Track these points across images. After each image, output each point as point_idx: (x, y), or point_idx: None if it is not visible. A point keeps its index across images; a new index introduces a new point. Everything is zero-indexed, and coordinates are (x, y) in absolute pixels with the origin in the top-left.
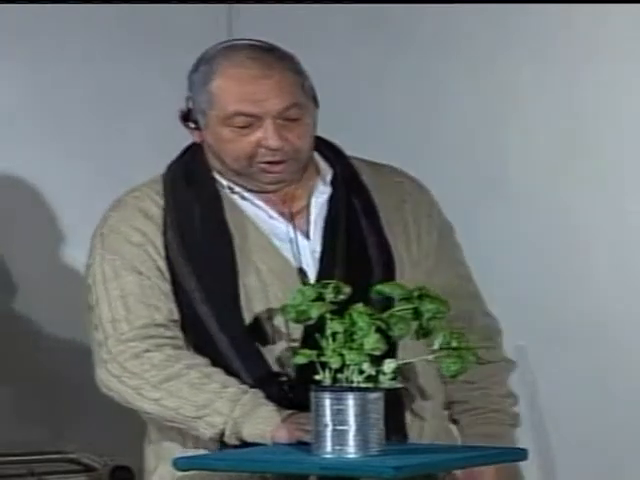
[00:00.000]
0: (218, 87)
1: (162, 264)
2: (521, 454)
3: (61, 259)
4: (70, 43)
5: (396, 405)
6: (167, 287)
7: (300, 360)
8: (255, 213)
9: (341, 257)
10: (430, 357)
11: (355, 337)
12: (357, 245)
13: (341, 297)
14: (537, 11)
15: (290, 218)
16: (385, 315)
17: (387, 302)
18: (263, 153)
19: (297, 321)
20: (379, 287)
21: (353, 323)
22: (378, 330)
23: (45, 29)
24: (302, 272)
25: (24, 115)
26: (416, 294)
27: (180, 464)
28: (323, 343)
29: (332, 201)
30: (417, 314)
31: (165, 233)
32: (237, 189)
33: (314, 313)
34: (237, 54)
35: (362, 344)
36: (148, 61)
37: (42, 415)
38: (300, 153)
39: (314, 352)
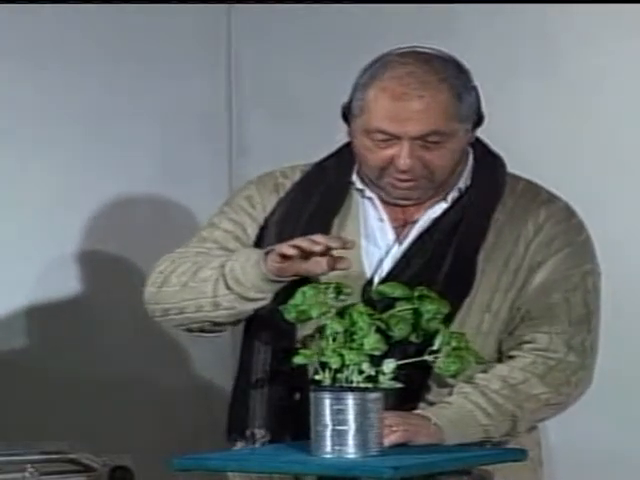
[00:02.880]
0: (371, 98)
1: (253, 231)
2: (520, 454)
3: None
4: (69, 43)
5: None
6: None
7: (299, 360)
8: (368, 214)
9: (411, 272)
10: (430, 357)
11: (355, 337)
12: (433, 263)
13: (341, 298)
14: None
15: (402, 225)
16: (385, 315)
17: (389, 302)
18: (393, 170)
19: (297, 321)
20: (379, 287)
21: (353, 323)
22: (378, 330)
23: (44, 28)
24: (370, 282)
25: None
26: (416, 294)
27: (177, 464)
28: (323, 343)
29: (443, 217)
30: (417, 315)
31: (274, 210)
32: (368, 194)
33: (314, 313)
34: (400, 66)
35: (362, 344)
36: (148, 61)
37: (43, 415)
38: (434, 174)
39: (314, 352)
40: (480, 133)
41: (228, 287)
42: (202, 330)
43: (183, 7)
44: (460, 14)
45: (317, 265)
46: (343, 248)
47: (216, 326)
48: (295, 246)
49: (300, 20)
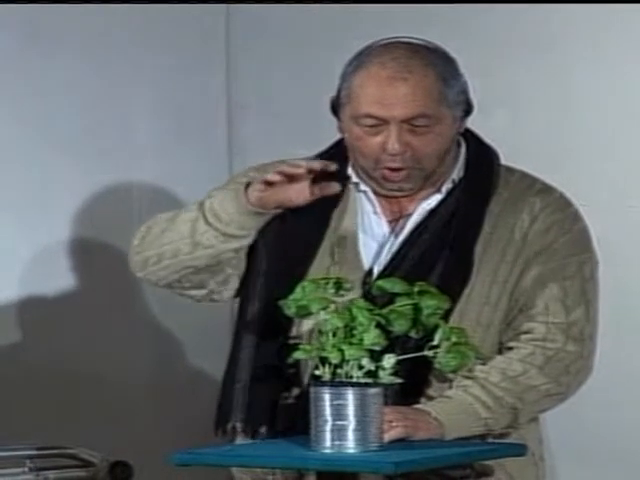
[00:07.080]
0: (357, 84)
1: None
2: (521, 449)
3: None
4: (68, 43)
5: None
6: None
7: (300, 355)
8: (365, 207)
9: (408, 264)
10: (430, 353)
11: (355, 332)
12: (429, 255)
13: (342, 293)
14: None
15: (397, 218)
16: (385, 311)
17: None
18: (386, 158)
19: (297, 315)
20: (380, 282)
21: (353, 318)
22: (378, 325)
23: (43, 28)
24: (370, 274)
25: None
26: (417, 290)
27: (177, 459)
28: (323, 338)
29: (437, 209)
30: (417, 310)
31: None
32: (362, 187)
33: (314, 308)
34: (385, 53)
35: (362, 339)
36: (147, 60)
37: (42, 411)
38: (423, 161)
39: (314, 347)
40: (481, 130)
41: (207, 222)
42: (183, 286)
43: (182, 7)
44: (459, 14)
45: (300, 193)
46: (324, 170)
47: (195, 275)
48: (279, 172)
49: (299, 20)
